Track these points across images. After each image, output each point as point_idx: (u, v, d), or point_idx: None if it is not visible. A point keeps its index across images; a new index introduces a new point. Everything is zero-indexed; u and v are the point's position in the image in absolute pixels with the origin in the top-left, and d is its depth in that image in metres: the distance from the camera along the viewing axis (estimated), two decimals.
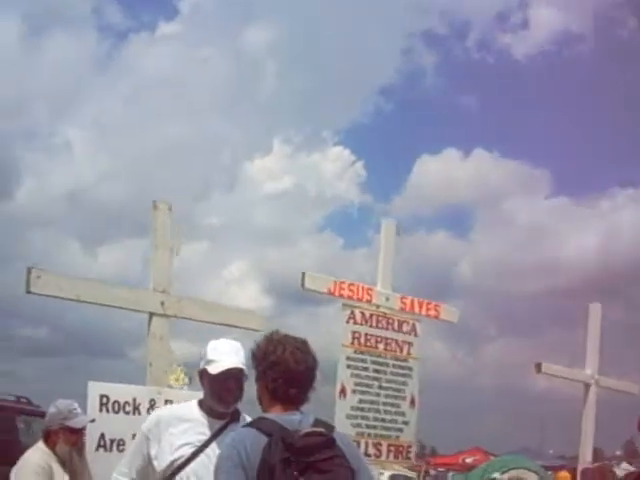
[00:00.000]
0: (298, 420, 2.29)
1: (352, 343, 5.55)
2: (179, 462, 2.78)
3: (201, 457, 2.77)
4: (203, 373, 2.88)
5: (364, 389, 5.60)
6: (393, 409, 5.78)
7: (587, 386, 7.65)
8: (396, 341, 5.83)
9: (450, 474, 24.50)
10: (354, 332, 5.56)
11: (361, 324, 5.61)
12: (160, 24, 60.95)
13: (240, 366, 2.80)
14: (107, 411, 4.20)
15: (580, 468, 7.74)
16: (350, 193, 58.13)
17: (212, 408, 2.88)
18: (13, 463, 3.83)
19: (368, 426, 5.60)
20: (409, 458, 6.06)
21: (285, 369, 2.35)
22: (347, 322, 5.54)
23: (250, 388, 2.68)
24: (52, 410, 3.89)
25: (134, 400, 4.31)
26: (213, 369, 2.81)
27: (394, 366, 5.81)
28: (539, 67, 55.87)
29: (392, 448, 5.76)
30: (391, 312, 5.85)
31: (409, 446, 5.92)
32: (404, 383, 5.86)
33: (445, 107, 61.52)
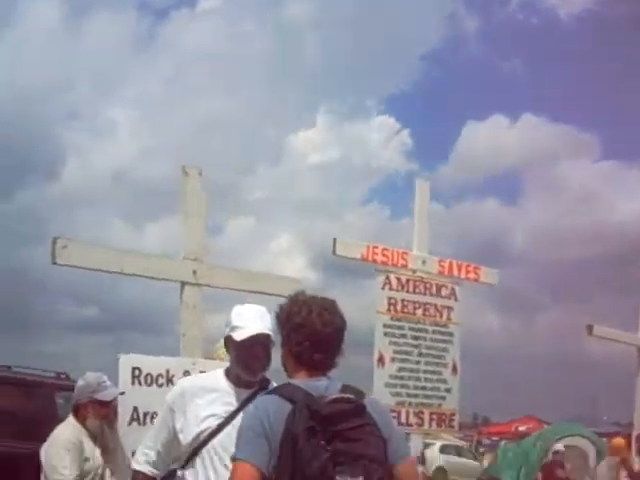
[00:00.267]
0: (324, 386, 2.13)
1: (388, 310, 5.41)
2: (205, 434, 2.66)
3: (228, 428, 2.63)
4: (228, 340, 2.74)
5: (403, 357, 5.48)
6: (434, 377, 5.65)
7: None
8: (435, 306, 5.67)
9: (503, 442, 24.35)
10: (390, 298, 5.42)
11: (397, 290, 5.45)
12: (200, 0, 60.61)
13: (266, 332, 2.65)
14: (140, 384, 4.10)
15: (635, 434, 7.77)
16: (396, 162, 57.44)
17: (239, 377, 2.74)
18: None
19: (409, 395, 5.49)
20: (452, 426, 5.92)
21: (311, 331, 2.18)
22: (382, 288, 5.39)
23: (277, 355, 2.54)
24: (81, 383, 3.83)
25: (167, 372, 4.21)
26: (238, 335, 2.67)
27: (434, 332, 5.68)
28: (585, 27, 53.91)
29: (435, 416, 5.65)
30: (428, 276, 5.67)
31: (452, 414, 5.78)
32: (445, 349, 5.72)
33: (490, 72, 60.13)
